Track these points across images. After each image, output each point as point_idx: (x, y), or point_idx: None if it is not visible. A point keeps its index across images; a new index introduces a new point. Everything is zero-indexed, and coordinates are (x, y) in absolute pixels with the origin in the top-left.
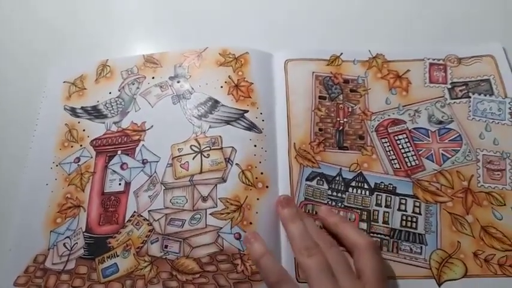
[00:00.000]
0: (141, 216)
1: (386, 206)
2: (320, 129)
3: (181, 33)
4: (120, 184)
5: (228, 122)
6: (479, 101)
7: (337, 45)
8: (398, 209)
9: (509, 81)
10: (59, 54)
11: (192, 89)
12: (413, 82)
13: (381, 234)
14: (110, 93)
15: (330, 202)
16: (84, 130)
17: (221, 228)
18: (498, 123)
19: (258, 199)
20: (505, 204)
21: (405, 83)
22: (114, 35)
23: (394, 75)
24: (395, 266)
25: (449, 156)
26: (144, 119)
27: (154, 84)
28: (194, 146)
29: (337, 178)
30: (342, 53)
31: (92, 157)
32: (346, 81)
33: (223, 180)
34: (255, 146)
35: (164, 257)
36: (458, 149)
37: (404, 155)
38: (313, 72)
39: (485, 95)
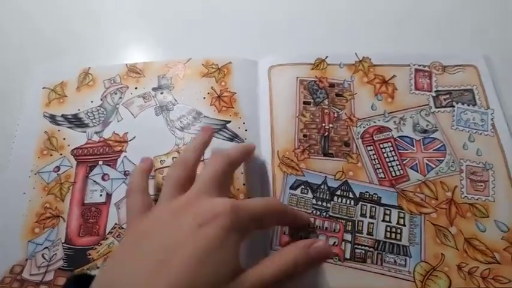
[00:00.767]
0: (123, 228)
1: (371, 217)
2: (304, 136)
3: (166, 43)
4: (101, 195)
5: None
6: (462, 111)
7: (323, 48)
8: (383, 220)
9: (492, 93)
10: (40, 60)
11: (175, 100)
12: (399, 88)
13: (365, 246)
14: (92, 102)
15: (314, 212)
16: (64, 139)
17: None
18: (481, 133)
19: None
20: (488, 216)
21: (391, 89)
22: (98, 42)
23: (380, 80)
24: (380, 278)
25: (434, 166)
26: (127, 129)
27: (137, 95)
28: (176, 158)
29: (322, 186)
30: (327, 56)
31: (72, 167)
32: (332, 85)
33: None
34: None
35: None
36: (443, 159)
37: (389, 164)
38: (297, 77)
39: (468, 105)
